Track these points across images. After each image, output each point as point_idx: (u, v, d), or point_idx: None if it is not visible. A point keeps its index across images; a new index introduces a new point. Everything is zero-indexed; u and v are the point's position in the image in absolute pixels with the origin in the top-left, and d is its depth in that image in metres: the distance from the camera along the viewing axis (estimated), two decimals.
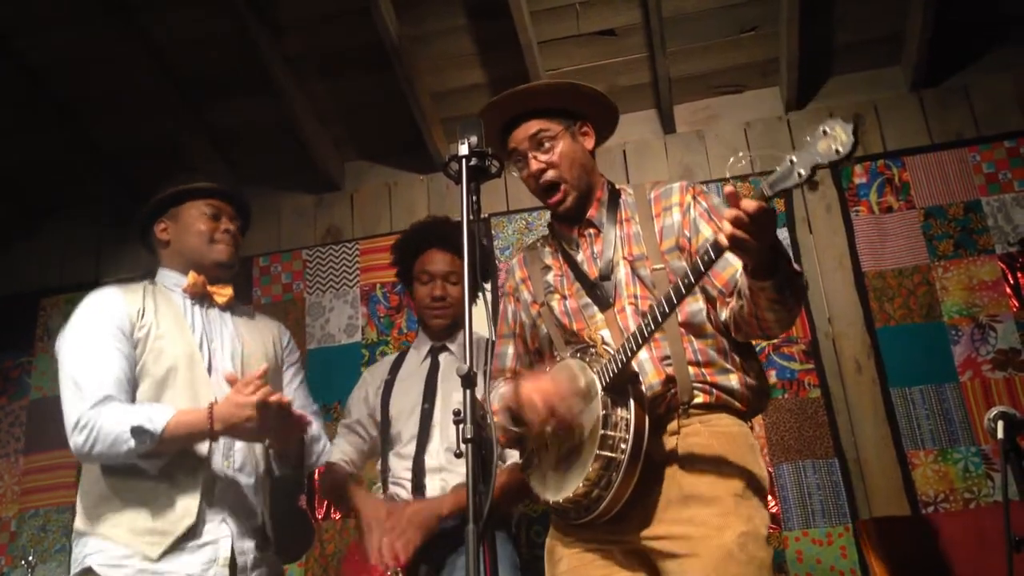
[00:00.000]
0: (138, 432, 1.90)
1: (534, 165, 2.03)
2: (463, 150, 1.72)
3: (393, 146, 4.03)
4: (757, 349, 3.33)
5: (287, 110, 3.75)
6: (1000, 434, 2.24)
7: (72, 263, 4.16)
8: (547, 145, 2.03)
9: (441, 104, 3.86)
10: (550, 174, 2.02)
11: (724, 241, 1.55)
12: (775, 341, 3.42)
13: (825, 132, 1.40)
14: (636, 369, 1.85)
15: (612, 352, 1.82)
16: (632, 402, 1.78)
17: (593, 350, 1.89)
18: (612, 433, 1.76)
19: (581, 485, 1.78)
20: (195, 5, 3.44)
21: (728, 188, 1.53)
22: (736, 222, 1.51)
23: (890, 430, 3.27)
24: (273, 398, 1.94)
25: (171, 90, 3.74)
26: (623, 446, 1.75)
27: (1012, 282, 3.36)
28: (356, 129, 4.02)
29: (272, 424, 1.98)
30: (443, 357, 2.68)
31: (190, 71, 3.70)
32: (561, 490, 1.85)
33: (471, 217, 1.67)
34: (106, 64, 3.61)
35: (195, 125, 3.90)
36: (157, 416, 1.93)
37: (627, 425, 1.76)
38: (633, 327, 1.80)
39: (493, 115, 2.06)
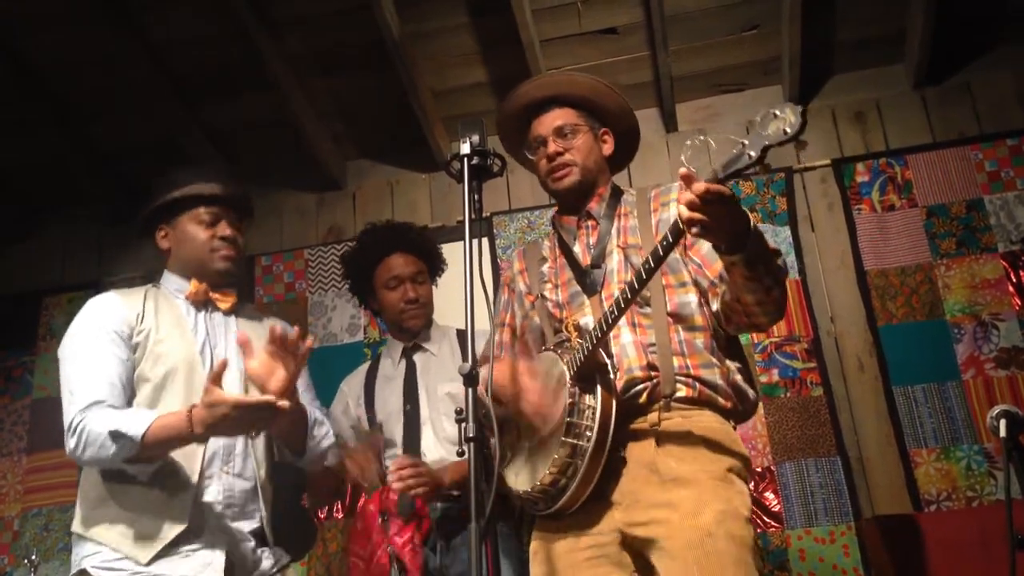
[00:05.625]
0: (117, 436, 1.87)
1: (552, 147, 2.07)
2: (465, 149, 1.72)
3: (395, 145, 4.03)
4: (761, 346, 3.45)
5: (288, 109, 3.75)
6: (1003, 432, 2.25)
7: (73, 262, 4.16)
8: (569, 136, 2.09)
9: (443, 102, 3.86)
10: (565, 157, 2.07)
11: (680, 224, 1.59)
12: (777, 339, 3.43)
13: (775, 115, 1.46)
14: (605, 358, 1.87)
15: (582, 342, 1.85)
16: (599, 389, 1.80)
17: (567, 343, 1.92)
18: (578, 421, 1.79)
19: (548, 473, 1.80)
20: (194, 4, 3.43)
21: (683, 170, 1.56)
22: (690, 205, 1.55)
23: (892, 428, 3.27)
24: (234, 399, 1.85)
25: (171, 89, 3.75)
26: (588, 434, 1.78)
27: (1015, 280, 3.36)
28: (357, 128, 4.01)
29: (254, 416, 1.89)
30: (417, 357, 2.67)
31: (190, 70, 3.70)
32: (530, 480, 1.87)
33: (473, 216, 1.67)
34: (105, 64, 3.61)
35: (195, 124, 3.90)
36: (138, 420, 1.89)
37: (593, 413, 1.79)
38: None
39: (522, 95, 2.13)
